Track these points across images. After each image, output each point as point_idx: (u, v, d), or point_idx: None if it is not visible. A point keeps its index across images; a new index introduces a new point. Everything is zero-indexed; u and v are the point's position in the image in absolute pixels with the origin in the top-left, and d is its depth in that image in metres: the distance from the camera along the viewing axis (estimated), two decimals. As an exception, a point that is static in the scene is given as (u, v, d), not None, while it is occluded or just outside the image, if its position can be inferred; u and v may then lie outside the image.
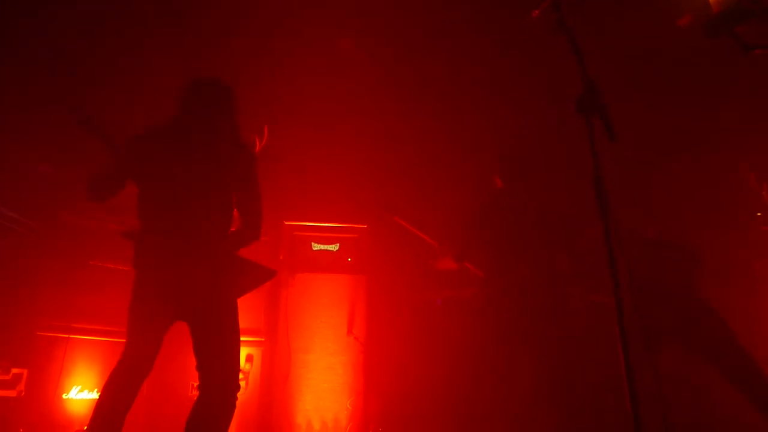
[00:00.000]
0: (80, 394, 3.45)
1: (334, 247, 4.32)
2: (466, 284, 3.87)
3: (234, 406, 2.19)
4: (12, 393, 3.18)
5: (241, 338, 2.36)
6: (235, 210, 2.48)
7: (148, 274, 2.22)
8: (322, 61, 4.52)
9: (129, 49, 4.16)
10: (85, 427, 2.08)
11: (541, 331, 2.95)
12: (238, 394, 2.23)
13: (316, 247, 4.29)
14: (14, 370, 3.20)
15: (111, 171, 2.29)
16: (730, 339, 2.88)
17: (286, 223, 4.30)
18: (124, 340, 2.21)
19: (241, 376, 3.69)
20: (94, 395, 3.48)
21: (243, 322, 3.62)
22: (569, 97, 1.55)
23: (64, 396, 3.39)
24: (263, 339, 3.98)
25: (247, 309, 3.92)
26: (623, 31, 3.94)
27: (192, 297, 2.22)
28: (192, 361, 2.23)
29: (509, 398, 3.11)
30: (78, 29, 3.92)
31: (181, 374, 3.67)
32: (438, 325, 4.09)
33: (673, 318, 3.02)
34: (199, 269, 2.23)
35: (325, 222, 4.35)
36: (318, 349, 3.95)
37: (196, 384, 2.23)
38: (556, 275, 3.11)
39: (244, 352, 3.79)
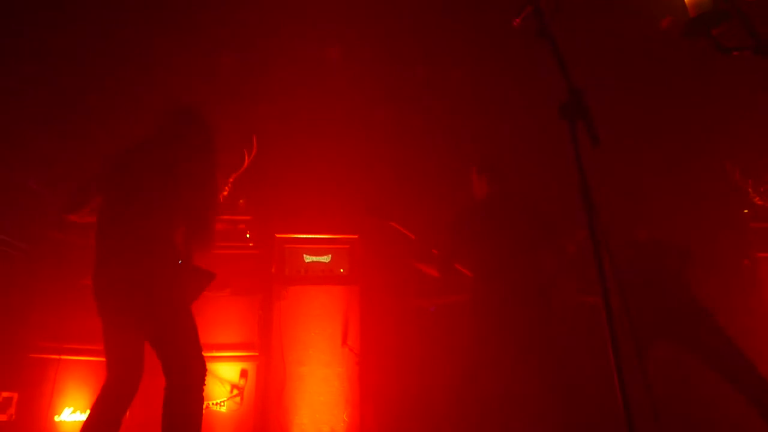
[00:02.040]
0: (73, 415, 3.40)
1: (326, 259, 4.31)
2: (459, 290, 3.88)
3: (201, 396, 2.28)
4: (3, 417, 3.13)
5: (235, 353, 2.45)
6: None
7: (103, 285, 2.35)
8: (312, 72, 4.55)
9: (119, 59, 4.16)
10: None
11: (531, 335, 2.96)
12: (223, 403, 2.34)
13: (308, 258, 4.28)
14: (4, 394, 3.16)
15: (85, 186, 2.49)
16: (720, 335, 2.92)
17: (277, 235, 4.29)
18: None
19: (235, 392, 3.67)
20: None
21: (237, 336, 3.62)
22: (554, 101, 1.57)
23: (56, 418, 3.34)
24: (257, 353, 3.95)
25: (241, 324, 3.92)
26: (605, 35, 4.00)
27: (134, 306, 2.29)
28: None
29: (507, 404, 3.12)
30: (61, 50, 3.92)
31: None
32: (433, 334, 4.09)
33: (663, 316, 3.04)
34: (132, 271, 2.30)
35: (316, 233, 4.34)
36: (313, 362, 3.93)
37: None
38: (543, 276, 3.12)
39: (238, 367, 3.77)
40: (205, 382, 2.34)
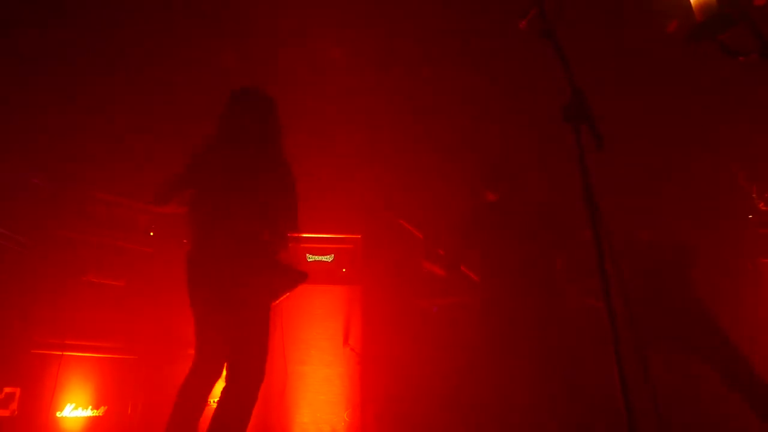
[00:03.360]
0: (74, 411, 3.41)
1: (328, 258, 4.31)
2: (461, 291, 3.87)
3: (255, 398, 2.34)
4: (5, 412, 3.14)
5: None
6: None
7: (196, 278, 2.42)
8: (316, 71, 4.55)
9: (122, 55, 4.17)
10: None
11: (537, 336, 2.96)
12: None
13: (310, 258, 4.29)
14: (7, 389, 3.17)
15: (174, 180, 2.56)
16: (724, 338, 2.91)
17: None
18: (118, 356, 2.35)
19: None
20: (89, 412, 3.45)
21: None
22: (558, 103, 1.57)
23: (58, 414, 3.35)
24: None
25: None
26: (611, 38, 3.99)
27: (228, 296, 2.37)
28: (183, 376, 2.42)
29: (508, 406, 3.11)
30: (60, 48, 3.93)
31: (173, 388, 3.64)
32: (434, 334, 4.09)
33: (666, 317, 3.04)
34: (235, 270, 2.37)
35: (319, 233, 4.35)
36: (314, 361, 3.93)
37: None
38: (552, 277, 3.12)
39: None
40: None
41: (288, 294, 2.68)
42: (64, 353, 3.45)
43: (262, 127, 2.60)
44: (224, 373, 2.40)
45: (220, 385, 2.44)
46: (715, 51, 1.90)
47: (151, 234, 3.97)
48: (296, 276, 2.65)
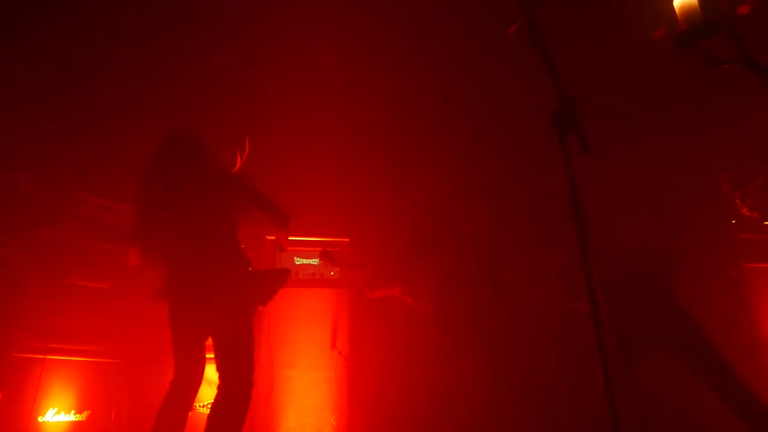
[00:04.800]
0: (57, 416, 3.36)
1: (316, 262, 4.30)
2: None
3: (248, 400, 2.51)
4: (-15, 417, 3.09)
5: None
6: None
7: (179, 304, 2.59)
8: (304, 74, 4.55)
9: (113, 59, 4.14)
10: None
11: (530, 340, 3.00)
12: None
13: (298, 261, 4.27)
14: (-12, 393, 3.12)
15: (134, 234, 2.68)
16: (707, 345, 2.93)
17: (267, 237, 4.28)
18: (102, 360, 2.40)
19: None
20: (71, 417, 3.40)
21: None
22: (545, 110, 1.58)
23: (39, 419, 3.30)
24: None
25: (229, 325, 3.89)
26: (598, 45, 4.04)
27: (215, 320, 2.56)
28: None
29: (494, 409, 3.12)
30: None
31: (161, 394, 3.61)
32: (421, 338, 4.09)
33: (651, 326, 3.06)
34: (215, 297, 2.55)
35: (307, 236, 4.33)
36: (301, 365, 3.91)
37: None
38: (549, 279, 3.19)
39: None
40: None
41: (277, 292, 2.82)
42: (47, 357, 3.40)
43: (192, 168, 2.77)
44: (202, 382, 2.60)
45: (205, 391, 2.51)
46: (699, 59, 1.93)
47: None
48: (280, 275, 2.81)
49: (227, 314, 2.57)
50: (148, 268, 2.74)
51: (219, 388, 2.51)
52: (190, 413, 2.51)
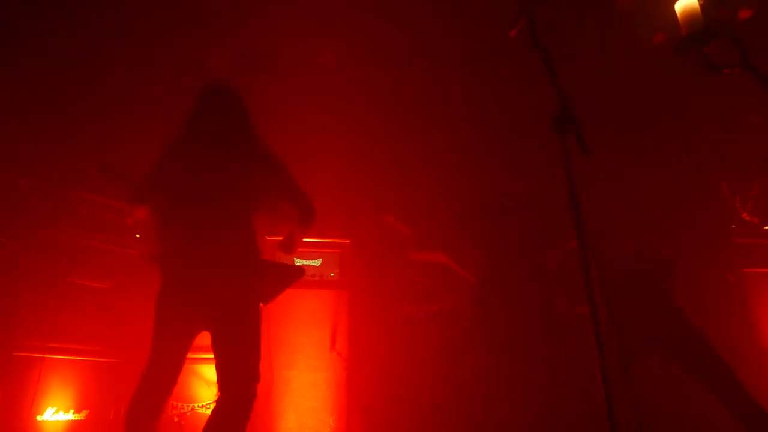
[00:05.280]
0: (55, 415, 3.36)
1: (316, 263, 4.30)
2: (449, 297, 3.89)
3: (250, 412, 2.20)
4: (-16, 415, 3.09)
5: None
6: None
7: (174, 285, 2.25)
8: (306, 75, 4.56)
9: (113, 58, 4.15)
10: None
11: (533, 343, 3.00)
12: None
13: (298, 262, 4.27)
14: (-13, 392, 3.12)
15: (144, 182, 2.39)
16: (705, 347, 2.95)
17: (268, 238, 4.28)
18: (101, 360, 2.21)
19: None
20: (70, 416, 3.40)
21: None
22: (545, 111, 1.59)
23: (38, 418, 3.30)
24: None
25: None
26: (598, 47, 4.06)
27: (215, 306, 2.24)
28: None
29: (493, 410, 3.13)
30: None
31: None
32: (421, 340, 4.09)
33: (650, 329, 3.07)
34: (222, 278, 2.24)
35: (307, 237, 4.33)
36: (300, 366, 3.91)
37: (176, 403, 2.23)
38: (545, 280, 3.18)
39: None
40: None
41: (283, 291, 2.56)
42: (46, 356, 3.40)
43: (233, 126, 2.47)
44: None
45: (203, 391, 2.38)
46: (699, 63, 1.94)
47: (138, 236, 3.93)
48: (293, 272, 2.50)
49: (232, 302, 2.26)
50: (151, 227, 2.44)
51: (219, 395, 2.20)
52: (188, 414, 2.33)
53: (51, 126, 4.07)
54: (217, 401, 2.19)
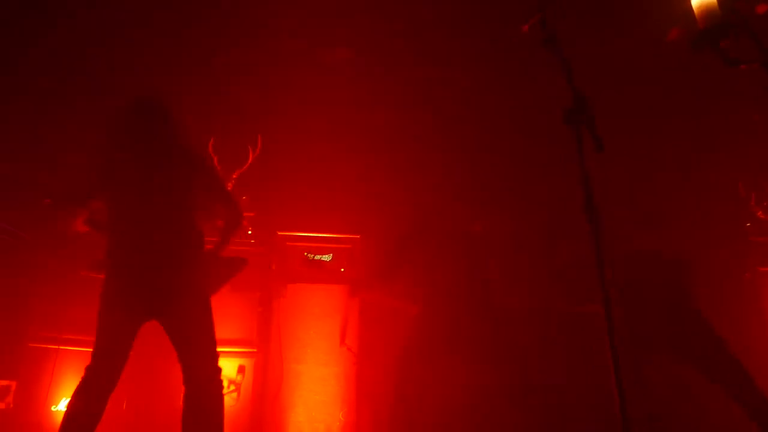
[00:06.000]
0: (70, 406, 3.41)
1: (327, 258, 4.31)
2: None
3: (222, 395, 2.29)
4: (1, 405, 3.14)
5: (234, 349, 2.44)
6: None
7: (119, 280, 2.32)
8: (318, 72, 4.56)
9: (122, 57, 4.18)
10: None
11: (535, 339, 2.98)
12: (229, 400, 2.41)
13: (309, 257, 4.29)
14: (3, 382, 3.18)
15: (84, 186, 2.48)
16: (721, 348, 2.90)
17: (279, 233, 4.30)
18: None
19: (232, 387, 3.68)
20: (84, 407, 3.44)
21: (235, 332, 3.63)
22: (557, 109, 1.58)
23: (53, 408, 3.35)
24: (255, 350, 3.96)
25: (240, 319, 3.92)
26: (612, 44, 4.01)
27: (163, 298, 2.31)
28: (179, 372, 2.31)
29: (503, 408, 3.12)
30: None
31: (171, 384, 3.64)
32: (430, 335, 4.08)
33: (664, 328, 3.04)
34: (167, 270, 2.33)
35: (318, 232, 4.35)
36: (310, 360, 3.93)
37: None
38: (550, 280, 3.15)
39: (235, 363, 3.78)
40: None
41: (228, 281, 2.65)
42: (61, 347, 3.45)
43: (162, 132, 2.60)
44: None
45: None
46: (717, 59, 1.91)
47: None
48: (236, 263, 2.63)
49: (186, 298, 2.34)
50: (92, 234, 2.51)
51: (186, 385, 2.26)
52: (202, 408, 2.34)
53: (67, 118, 4.11)
54: (186, 390, 2.25)
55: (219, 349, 2.42)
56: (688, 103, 4.27)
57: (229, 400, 3.68)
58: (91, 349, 3.42)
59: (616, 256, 2.78)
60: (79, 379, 2.20)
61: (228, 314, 3.84)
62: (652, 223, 3.42)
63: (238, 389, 3.69)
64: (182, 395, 2.26)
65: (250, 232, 4.16)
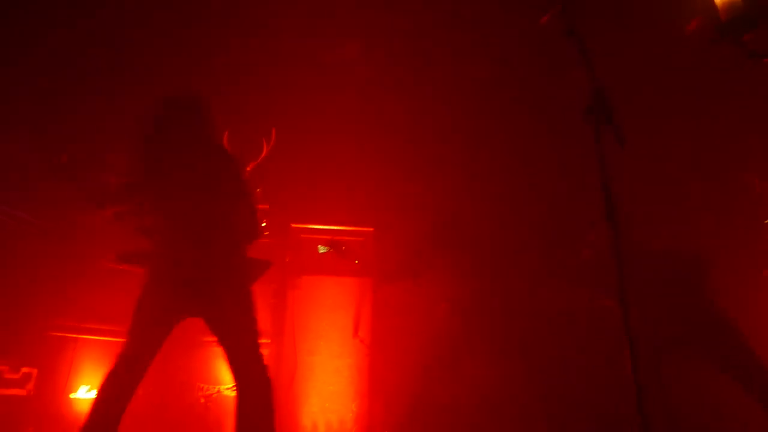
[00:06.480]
0: (88, 393, 3.47)
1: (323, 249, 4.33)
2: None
3: (271, 394, 2.31)
4: (22, 392, 3.21)
5: None
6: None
7: (165, 274, 2.34)
8: (332, 66, 4.56)
9: (136, 53, 4.21)
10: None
11: (552, 334, 2.96)
12: None
13: (322, 249, 4.30)
14: (24, 370, 3.24)
15: (126, 185, 2.49)
16: (742, 346, 2.85)
17: (293, 225, 4.32)
18: None
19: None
20: (102, 395, 3.50)
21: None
22: (578, 103, 1.56)
23: (72, 395, 3.42)
24: (269, 341, 3.99)
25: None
26: (632, 37, 3.95)
27: (210, 296, 2.33)
28: (198, 363, 2.30)
29: (512, 400, 3.12)
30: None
31: (188, 376, 3.69)
32: (443, 329, 4.09)
33: (683, 324, 3.00)
34: (215, 269, 2.36)
35: (331, 225, 4.36)
36: (324, 352, 3.96)
37: (203, 385, 2.29)
38: (568, 275, 3.12)
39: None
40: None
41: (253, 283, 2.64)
42: (80, 336, 3.51)
43: (201, 129, 2.61)
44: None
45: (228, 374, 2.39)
46: (739, 53, 1.87)
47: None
48: (261, 265, 2.65)
49: (232, 296, 2.37)
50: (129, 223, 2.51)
51: (238, 389, 2.28)
52: (214, 396, 2.38)
53: (89, 108, 4.15)
54: (239, 391, 2.27)
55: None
56: (708, 97, 4.20)
57: (243, 390, 3.72)
58: (108, 338, 3.49)
59: (636, 254, 2.75)
60: (109, 367, 2.22)
61: (242, 305, 3.86)
62: (672, 220, 3.38)
63: (252, 379, 3.73)
64: (195, 390, 2.28)
65: (264, 225, 4.19)
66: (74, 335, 3.48)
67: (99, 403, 2.14)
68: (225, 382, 3.70)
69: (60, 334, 3.45)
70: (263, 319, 3.96)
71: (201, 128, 2.60)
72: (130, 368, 2.24)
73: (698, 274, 3.15)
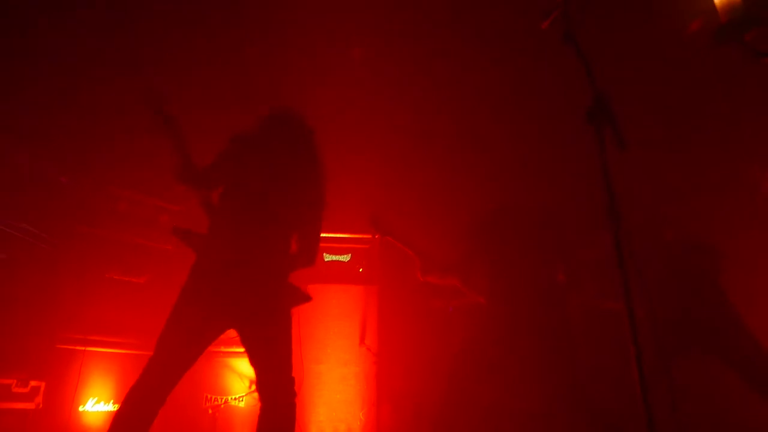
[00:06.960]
0: (96, 406, 3.48)
1: (345, 258, 4.33)
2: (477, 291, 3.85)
3: (294, 420, 2.26)
4: (30, 405, 3.22)
5: None
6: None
7: (212, 281, 2.25)
8: (334, 71, 4.57)
9: (146, 57, 4.23)
10: None
11: (537, 342, 2.92)
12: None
13: (327, 257, 4.31)
14: (32, 383, 3.25)
15: (207, 168, 2.44)
16: (754, 344, 2.81)
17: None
18: (139, 352, 2.23)
19: (253, 387, 3.72)
20: (110, 407, 3.51)
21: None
22: (579, 106, 1.56)
23: (80, 408, 3.42)
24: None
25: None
26: (634, 39, 3.95)
27: (252, 311, 2.27)
28: (205, 373, 2.27)
29: (520, 408, 3.09)
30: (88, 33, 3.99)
31: (195, 386, 3.69)
32: (450, 334, 4.08)
33: (694, 323, 2.97)
34: (262, 284, 2.31)
35: (336, 233, 4.37)
36: (331, 360, 3.95)
37: (210, 395, 2.26)
38: (553, 289, 3.07)
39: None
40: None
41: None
42: (87, 348, 3.52)
43: (304, 156, 2.62)
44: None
45: (236, 384, 2.39)
46: (741, 52, 1.87)
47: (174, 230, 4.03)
48: (302, 296, 2.56)
49: (275, 313, 2.32)
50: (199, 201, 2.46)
51: (263, 401, 2.23)
52: (221, 406, 2.34)
53: (89, 122, 4.17)
54: (263, 408, 2.22)
55: (240, 349, 2.38)
56: (715, 91, 4.19)
57: (250, 400, 3.72)
58: (115, 350, 3.48)
59: (644, 251, 2.72)
60: (106, 381, 2.19)
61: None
62: (684, 216, 3.35)
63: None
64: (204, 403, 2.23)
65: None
66: (82, 348, 3.49)
67: (125, 414, 2.03)
68: (232, 392, 3.70)
69: (67, 347, 3.46)
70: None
71: (308, 147, 2.63)
72: (163, 377, 2.12)
73: (710, 270, 3.10)
